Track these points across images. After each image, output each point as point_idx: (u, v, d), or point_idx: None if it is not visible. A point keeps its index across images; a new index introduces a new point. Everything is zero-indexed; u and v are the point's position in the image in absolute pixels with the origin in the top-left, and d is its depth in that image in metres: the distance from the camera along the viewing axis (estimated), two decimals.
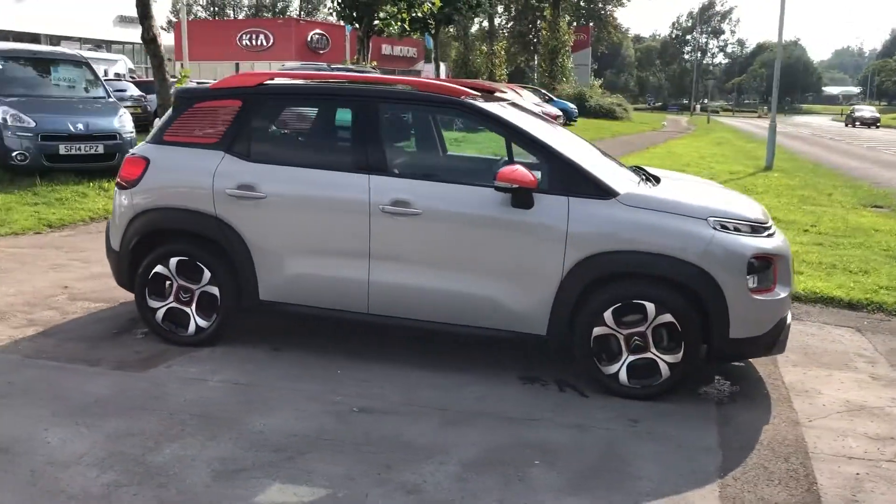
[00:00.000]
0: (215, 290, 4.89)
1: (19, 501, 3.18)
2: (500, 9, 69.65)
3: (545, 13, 50.08)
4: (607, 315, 4.38)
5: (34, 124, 10.37)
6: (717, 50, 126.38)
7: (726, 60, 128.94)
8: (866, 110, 62.50)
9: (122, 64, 29.23)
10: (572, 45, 47.59)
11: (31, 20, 32.00)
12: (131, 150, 5.17)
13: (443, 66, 52.49)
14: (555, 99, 34.67)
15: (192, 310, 4.95)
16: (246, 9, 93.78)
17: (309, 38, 47.66)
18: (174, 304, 4.97)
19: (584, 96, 41.73)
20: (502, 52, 48.89)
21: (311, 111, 5.24)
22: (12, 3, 31.96)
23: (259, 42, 48.98)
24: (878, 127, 55.51)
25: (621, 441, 3.96)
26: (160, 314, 4.99)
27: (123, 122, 11.32)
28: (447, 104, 4.79)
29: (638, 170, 5.35)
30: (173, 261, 4.91)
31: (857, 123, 57.18)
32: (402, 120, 5.36)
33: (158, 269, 4.94)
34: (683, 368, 4.39)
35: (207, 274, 4.88)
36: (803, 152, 27.09)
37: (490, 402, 4.36)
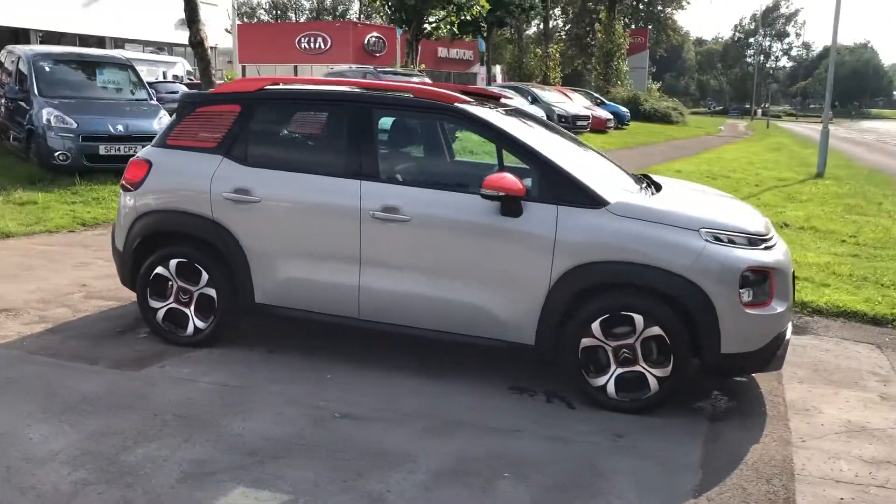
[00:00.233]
0: (213, 293, 4.96)
1: None
2: (556, 11, 69.26)
3: (601, 16, 49.56)
4: (595, 326, 4.30)
5: (76, 125, 10.69)
6: (780, 53, 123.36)
7: (791, 64, 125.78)
8: None
9: (181, 66, 29.90)
10: (628, 47, 46.98)
11: (98, 24, 32.98)
12: (137, 154, 5.28)
13: (498, 69, 52.46)
14: (606, 102, 34.27)
15: (190, 311, 5.03)
16: (307, 12, 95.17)
17: (366, 42, 48.06)
18: (174, 305, 5.06)
19: (639, 100, 41.13)
20: (556, 55, 48.53)
21: (307, 116, 5.28)
22: (80, 8, 33.00)
23: (317, 45, 49.58)
24: None
25: (601, 455, 3.88)
26: (160, 314, 5.09)
27: (163, 123, 11.53)
28: (439, 110, 4.77)
29: (642, 178, 5.26)
30: (173, 262, 5.00)
31: None
32: (397, 126, 5.35)
33: (159, 270, 5.03)
34: (673, 383, 4.29)
35: (205, 276, 4.95)
36: (862, 159, 26.21)
37: (475, 412, 4.32)
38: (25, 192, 9.92)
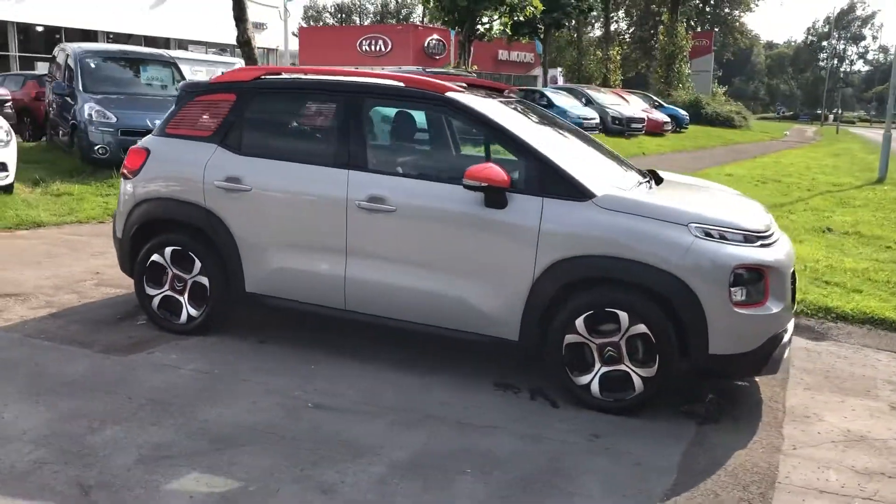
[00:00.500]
0: (205, 281, 4.97)
1: None
2: (620, 14, 68.35)
3: (663, 18, 48.67)
4: (579, 322, 4.15)
5: (115, 119, 10.94)
6: (856, 57, 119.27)
7: (867, 68, 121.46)
8: None
9: (239, 66, 30.55)
10: (691, 50, 45.98)
11: (163, 26, 33.90)
12: (138, 142, 5.34)
13: (558, 72, 51.93)
14: (664, 105, 33.59)
15: (184, 299, 5.06)
16: (371, 15, 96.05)
17: (426, 44, 48.19)
18: (169, 293, 5.09)
19: (700, 103, 40.20)
20: (617, 58, 47.83)
21: (300, 105, 5.25)
22: (147, 10, 33.96)
23: (378, 48, 49.89)
24: None
25: (572, 455, 3.74)
26: (156, 301, 5.13)
27: None
28: (429, 100, 4.68)
29: (647, 173, 5.08)
30: (168, 250, 5.03)
31: None
32: (386, 115, 5.28)
33: (155, 257, 5.07)
34: (658, 383, 4.11)
35: (198, 264, 4.97)
36: None
37: (454, 407, 4.22)
38: (63, 184, 10.20)
